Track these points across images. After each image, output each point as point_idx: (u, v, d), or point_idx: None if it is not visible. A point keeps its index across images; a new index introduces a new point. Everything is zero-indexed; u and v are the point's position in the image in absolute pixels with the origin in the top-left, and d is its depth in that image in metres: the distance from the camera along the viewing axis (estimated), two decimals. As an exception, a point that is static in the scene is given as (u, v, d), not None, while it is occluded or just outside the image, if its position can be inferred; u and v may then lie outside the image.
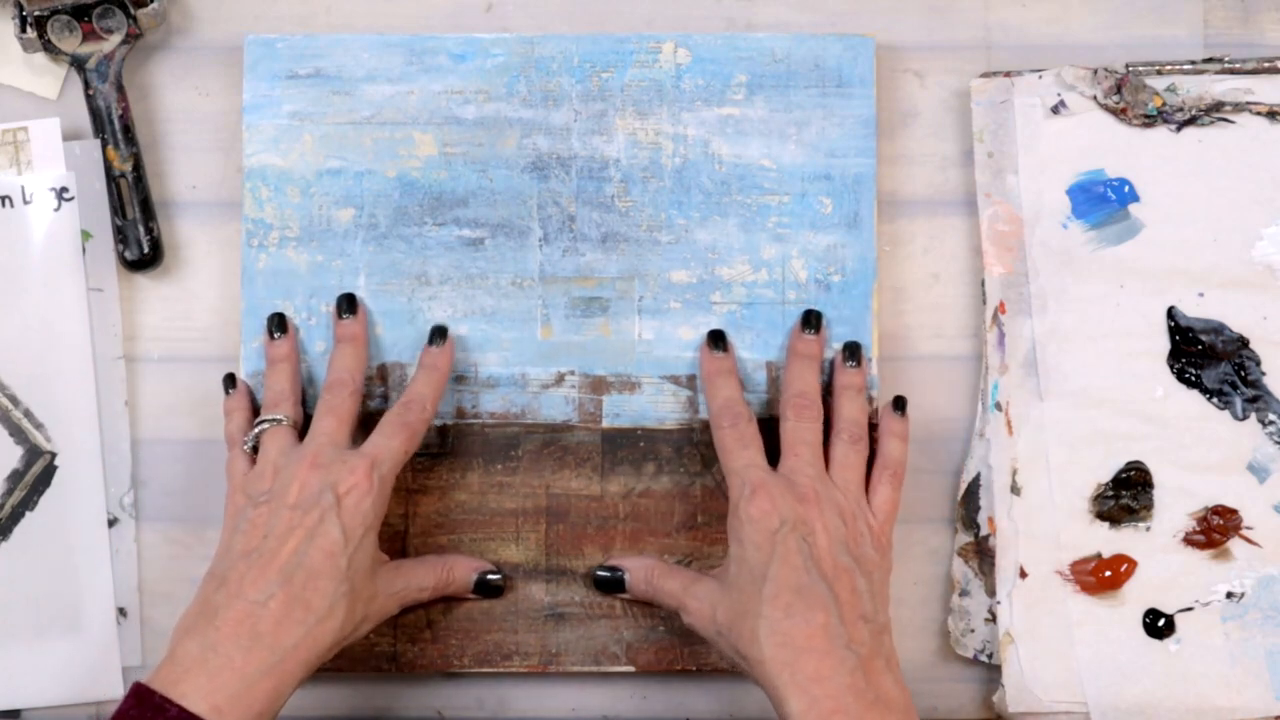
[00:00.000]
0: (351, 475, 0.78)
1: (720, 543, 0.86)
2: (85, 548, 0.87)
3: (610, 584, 0.85)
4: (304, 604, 0.75)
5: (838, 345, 0.86)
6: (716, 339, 0.85)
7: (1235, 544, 0.86)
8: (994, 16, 0.90)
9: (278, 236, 0.87)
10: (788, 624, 0.75)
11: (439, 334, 0.86)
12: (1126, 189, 0.88)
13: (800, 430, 0.82)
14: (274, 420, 0.82)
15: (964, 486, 0.87)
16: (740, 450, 0.81)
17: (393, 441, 0.80)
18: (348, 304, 0.85)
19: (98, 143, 0.87)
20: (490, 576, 0.85)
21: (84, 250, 0.88)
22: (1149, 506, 0.86)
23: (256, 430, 0.82)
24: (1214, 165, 0.87)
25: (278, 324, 0.86)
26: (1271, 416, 0.86)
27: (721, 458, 0.82)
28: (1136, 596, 0.86)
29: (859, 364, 0.85)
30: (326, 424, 0.81)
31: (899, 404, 0.85)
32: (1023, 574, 0.86)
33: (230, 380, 0.86)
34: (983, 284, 0.88)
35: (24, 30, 0.87)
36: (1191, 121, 0.88)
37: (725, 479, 0.81)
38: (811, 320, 0.85)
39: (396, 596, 0.82)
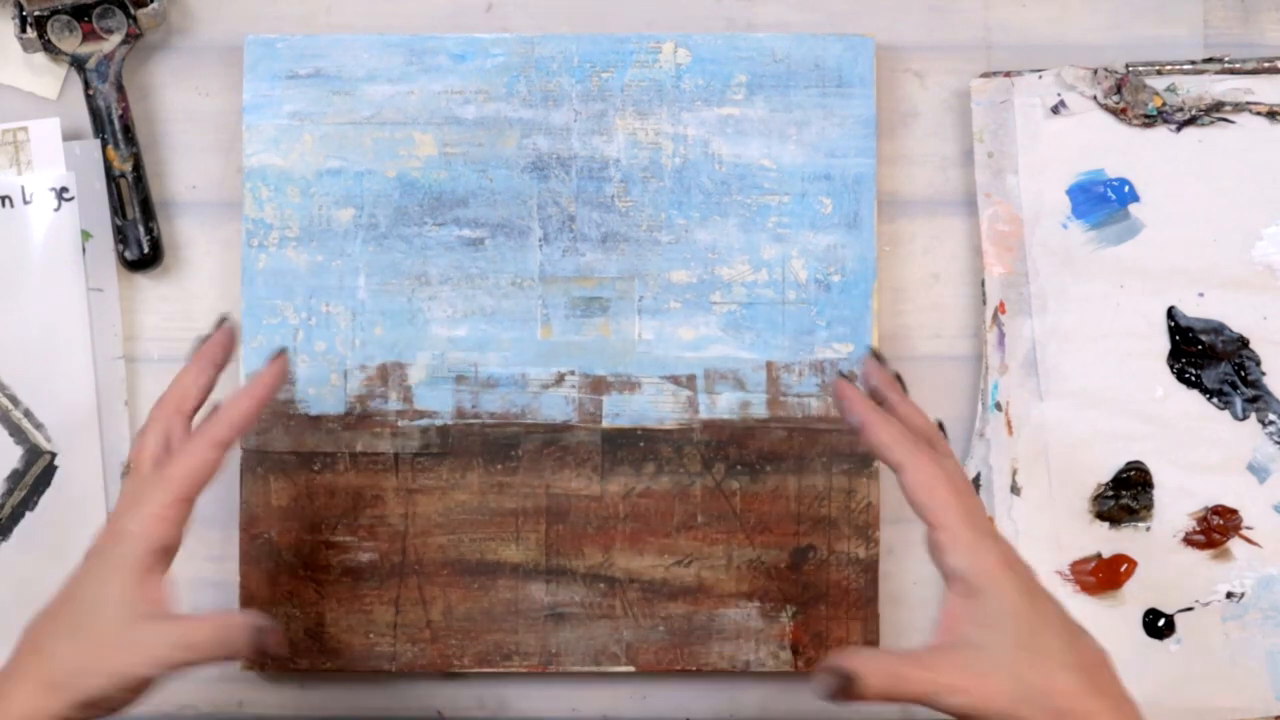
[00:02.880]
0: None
1: (720, 543, 0.86)
2: (85, 548, 0.87)
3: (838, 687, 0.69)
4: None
5: (839, 344, 0.86)
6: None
7: (1235, 544, 0.86)
8: (994, 16, 0.90)
9: (278, 236, 0.87)
10: (1100, 671, 0.69)
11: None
12: (1126, 189, 0.88)
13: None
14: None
15: (964, 486, 0.87)
16: (954, 483, 0.73)
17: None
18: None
19: (98, 143, 0.87)
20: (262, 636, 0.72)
21: (84, 250, 0.88)
22: (1149, 506, 0.86)
23: None
24: (1214, 165, 0.87)
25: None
26: (1271, 416, 0.86)
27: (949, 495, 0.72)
28: (1136, 596, 0.86)
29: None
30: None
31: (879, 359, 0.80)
32: (1023, 574, 0.86)
33: None
34: (983, 284, 0.88)
35: (24, 30, 0.87)
36: (1191, 121, 0.88)
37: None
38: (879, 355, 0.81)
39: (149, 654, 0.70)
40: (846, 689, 0.68)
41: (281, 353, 0.77)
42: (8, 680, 0.70)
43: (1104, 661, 0.69)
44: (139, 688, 0.70)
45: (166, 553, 0.73)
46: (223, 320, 0.78)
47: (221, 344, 0.78)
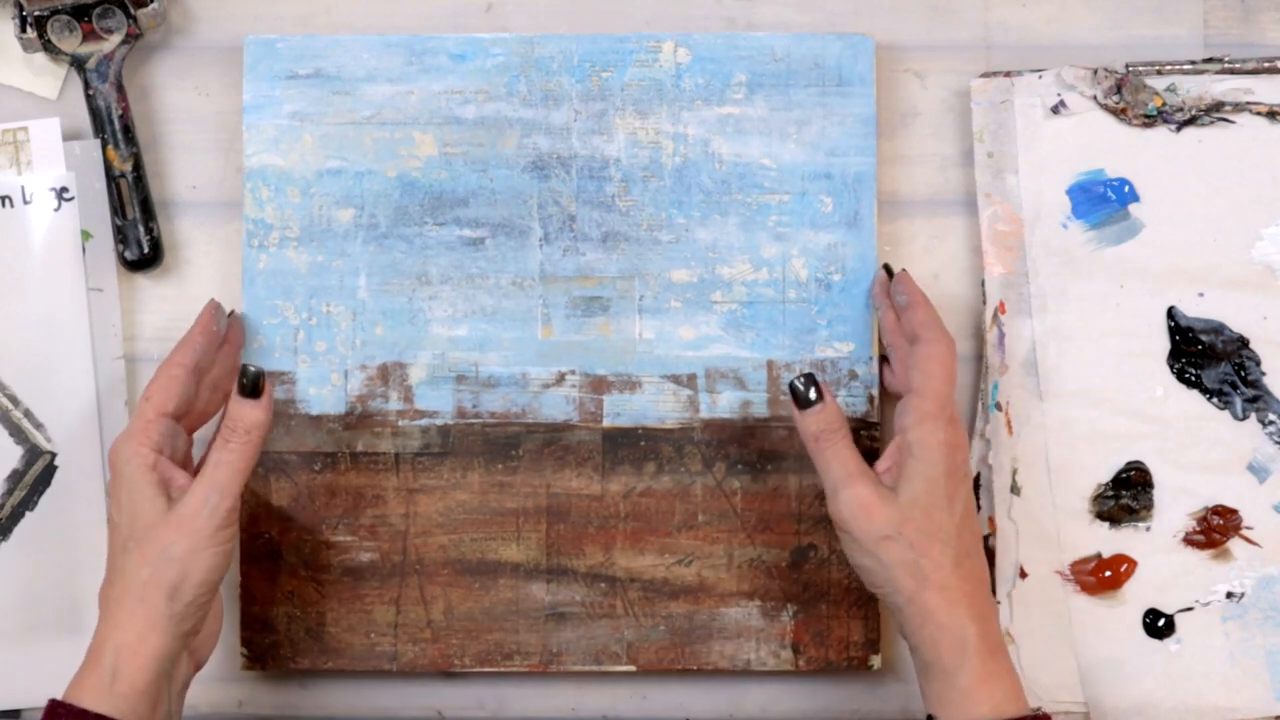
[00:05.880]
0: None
1: (721, 542, 0.86)
2: (85, 548, 0.87)
3: (802, 399, 0.81)
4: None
5: (839, 343, 0.87)
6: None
7: (1235, 544, 0.86)
8: (994, 16, 0.90)
9: (278, 237, 0.87)
10: (971, 562, 0.78)
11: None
12: (1126, 189, 0.88)
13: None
14: None
15: (964, 486, 0.87)
16: (953, 368, 0.80)
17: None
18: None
19: (98, 143, 0.87)
20: (245, 373, 0.80)
21: (84, 250, 0.88)
22: (1149, 506, 0.86)
23: None
24: (1214, 165, 0.87)
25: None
26: (1271, 416, 0.87)
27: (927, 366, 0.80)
28: (1136, 596, 0.86)
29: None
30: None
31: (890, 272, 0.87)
32: (1023, 574, 0.86)
33: None
34: (983, 284, 0.88)
35: (24, 30, 0.87)
36: (1191, 121, 0.88)
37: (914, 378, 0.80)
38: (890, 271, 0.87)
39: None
40: (803, 400, 0.81)
41: (210, 301, 0.85)
42: (110, 621, 0.77)
43: (983, 579, 0.79)
44: (222, 549, 0.78)
45: (168, 452, 0.79)
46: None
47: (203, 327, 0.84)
